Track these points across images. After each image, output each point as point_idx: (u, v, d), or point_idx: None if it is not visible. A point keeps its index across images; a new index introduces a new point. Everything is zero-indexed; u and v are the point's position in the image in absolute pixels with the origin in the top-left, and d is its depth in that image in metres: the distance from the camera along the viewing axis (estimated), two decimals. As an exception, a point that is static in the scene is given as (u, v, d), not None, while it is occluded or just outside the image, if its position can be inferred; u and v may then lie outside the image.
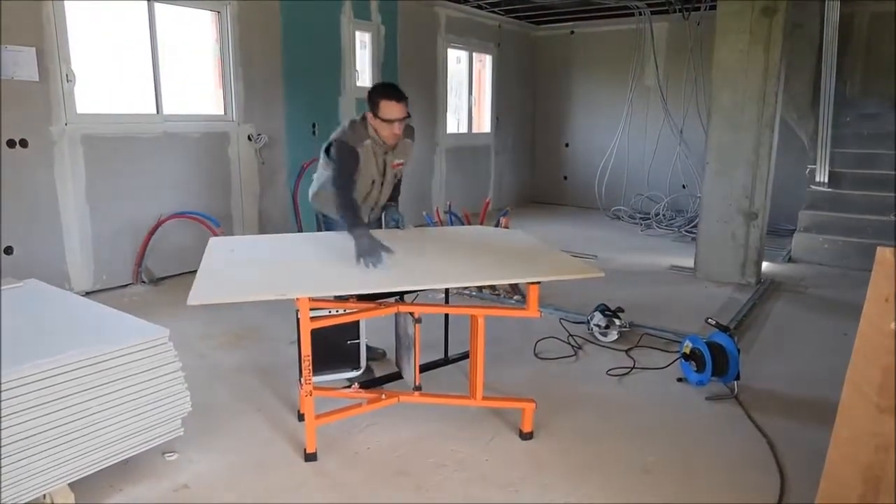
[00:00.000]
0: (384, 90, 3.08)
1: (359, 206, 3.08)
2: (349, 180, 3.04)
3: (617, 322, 3.91)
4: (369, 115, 3.09)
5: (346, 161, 3.05)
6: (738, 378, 3.13)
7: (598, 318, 3.94)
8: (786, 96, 5.43)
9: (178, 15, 5.19)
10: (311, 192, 3.43)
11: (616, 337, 3.89)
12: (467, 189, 8.51)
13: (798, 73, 6.40)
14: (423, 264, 2.73)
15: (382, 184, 3.28)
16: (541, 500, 2.32)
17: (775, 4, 4.83)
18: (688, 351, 3.24)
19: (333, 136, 3.16)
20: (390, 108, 3.05)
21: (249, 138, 5.71)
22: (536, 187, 10.00)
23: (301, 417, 2.83)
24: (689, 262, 5.84)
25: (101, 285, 4.83)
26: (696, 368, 3.20)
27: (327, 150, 3.18)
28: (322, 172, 3.29)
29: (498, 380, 3.24)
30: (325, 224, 3.42)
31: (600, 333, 3.92)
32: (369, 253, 2.59)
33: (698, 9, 7.75)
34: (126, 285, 4.98)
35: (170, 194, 5.17)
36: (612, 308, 4.01)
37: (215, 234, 4.98)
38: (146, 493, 2.32)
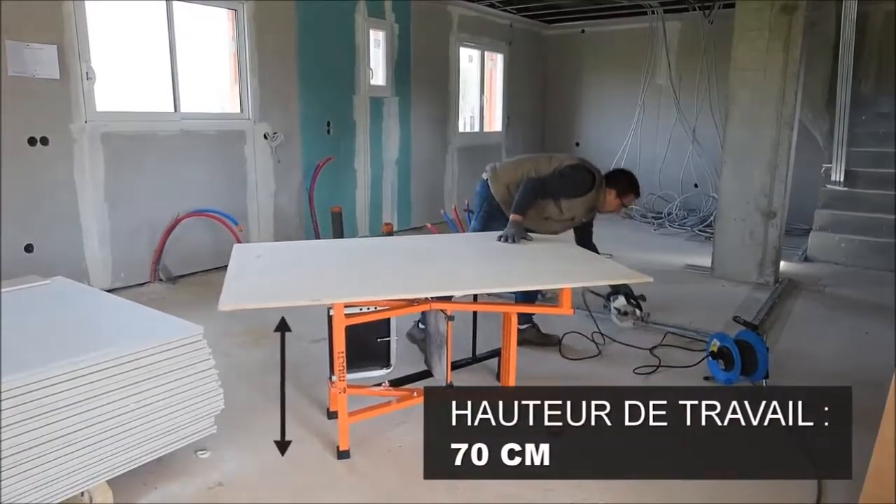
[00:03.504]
0: (635, 187, 3.66)
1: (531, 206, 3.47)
2: (549, 192, 3.47)
3: (638, 312, 3.85)
4: (610, 192, 3.59)
5: (576, 184, 3.50)
6: (766, 376, 3.12)
7: (620, 302, 3.84)
8: (801, 95, 5.42)
9: (195, 13, 5.19)
10: (500, 174, 3.63)
11: (630, 325, 3.82)
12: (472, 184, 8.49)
13: (813, 72, 6.37)
14: (466, 268, 2.73)
15: (569, 223, 3.67)
16: (575, 500, 2.31)
17: (795, 3, 4.81)
18: (715, 349, 3.23)
19: (585, 163, 3.64)
20: (632, 201, 3.72)
21: (265, 137, 5.71)
22: (546, 186, 9.96)
23: (330, 415, 2.82)
24: (705, 261, 5.83)
25: (119, 283, 4.83)
26: (723, 367, 3.19)
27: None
28: (520, 167, 3.60)
29: (525, 377, 3.22)
30: (490, 212, 3.66)
31: (616, 317, 3.84)
32: (513, 235, 3.24)
33: (711, 7, 7.74)
34: (143, 283, 4.97)
35: (187, 192, 5.17)
36: (636, 295, 3.91)
37: (234, 233, 4.98)
38: (181, 492, 2.31)
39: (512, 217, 3.33)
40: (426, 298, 2.60)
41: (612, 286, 3.77)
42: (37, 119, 4.23)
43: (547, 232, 3.63)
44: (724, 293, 5.06)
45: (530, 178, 3.45)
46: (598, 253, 3.67)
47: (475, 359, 3.37)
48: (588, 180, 3.53)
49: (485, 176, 3.71)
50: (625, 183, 3.62)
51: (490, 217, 3.66)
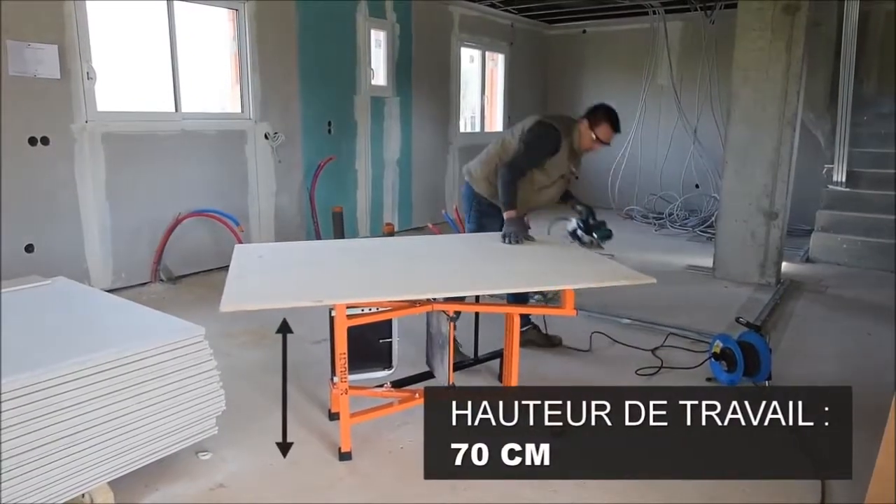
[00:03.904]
0: (613, 120, 3.37)
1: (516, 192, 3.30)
2: (526, 167, 3.30)
3: (588, 238, 3.53)
4: (584, 124, 3.37)
5: (544, 143, 3.30)
6: (769, 378, 3.11)
7: (572, 225, 3.57)
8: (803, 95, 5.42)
9: (196, 13, 5.18)
10: (475, 173, 3.52)
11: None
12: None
13: (814, 72, 6.36)
14: (468, 269, 2.73)
15: (563, 181, 3.48)
16: (579, 500, 2.31)
17: (797, 3, 4.80)
18: (718, 350, 3.22)
19: (539, 117, 3.39)
20: (607, 133, 3.37)
21: (266, 136, 5.70)
22: (547, 187, 9.96)
23: (332, 416, 2.82)
24: (706, 262, 5.82)
25: (120, 283, 4.82)
26: (726, 368, 3.18)
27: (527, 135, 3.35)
28: (496, 154, 3.44)
29: (527, 378, 3.21)
30: (480, 209, 3.55)
31: (570, 238, 3.61)
32: (514, 234, 3.14)
33: (713, 7, 7.73)
34: (144, 283, 4.96)
35: (187, 192, 5.16)
36: (596, 219, 3.54)
37: (234, 233, 4.98)
38: (183, 493, 2.30)
39: (506, 215, 3.25)
40: (428, 300, 2.59)
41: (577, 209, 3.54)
42: (37, 119, 4.23)
43: (548, 201, 3.50)
44: (726, 294, 5.06)
45: (502, 167, 3.31)
46: (573, 198, 3.54)
47: (477, 360, 3.36)
48: (553, 133, 3.32)
49: (466, 178, 3.62)
50: (600, 114, 3.37)
51: (482, 215, 3.57)
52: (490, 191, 3.46)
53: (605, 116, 3.35)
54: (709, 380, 3.30)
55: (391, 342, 2.79)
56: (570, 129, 3.38)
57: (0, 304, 2.45)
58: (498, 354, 3.27)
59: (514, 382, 2.67)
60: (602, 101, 3.27)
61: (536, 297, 4.57)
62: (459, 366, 3.24)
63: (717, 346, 3.23)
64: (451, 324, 2.56)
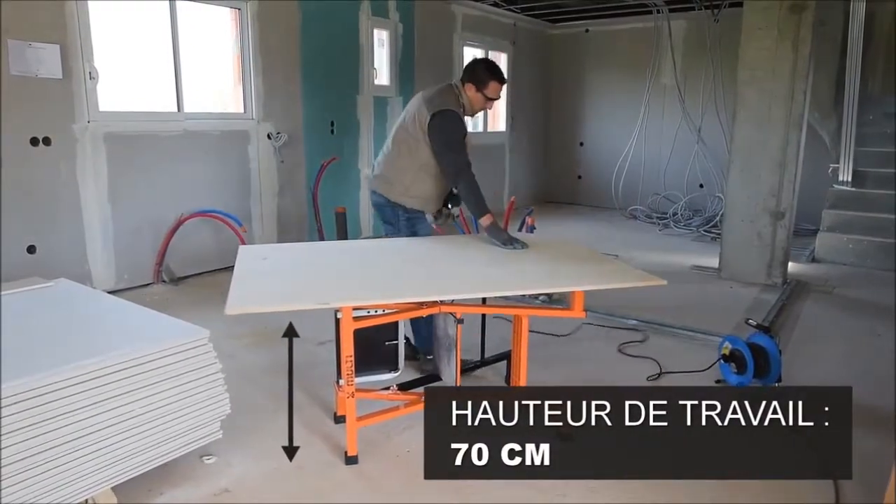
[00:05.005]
0: (495, 73, 3.19)
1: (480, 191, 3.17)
2: (468, 160, 3.16)
3: (445, 210, 3.39)
4: (469, 87, 3.19)
5: (458, 133, 3.15)
6: (779, 380, 3.07)
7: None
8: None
9: (199, 12, 5.15)
10: (397, 193, 3.23)
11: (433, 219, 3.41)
12: (482, 188, 8.44)
13: (820, 71, 6.32)
14: (475, 271, 2.69)
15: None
16: (588, 501, 2.28)
17: (804, 2, 4.76)
18: (727, 352, 3.18)
19: (439, 107, 3.09)
20: (497, 90, 3.22)
21: (269, 137, 5.67)
22: (551, 186, 9.94)
23: (337, 419, 2.78)
24: (711, 262, 5.79)
25: (122, 285, 4.79)
26: (735, 370, 3.14)
27: (431, 128, 3.10)
28: (406, 159, 3.20)
29: (533, 380, 3.18)
30: (409, 216, 3.27)
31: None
32: (515, 240, 3.02)
33: (718, 7, 7.70)
34: (147, 285, 4.94)
35: (190, 193, 5.13)
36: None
37: (237, 233, 4.95)
38: (187, 497, 2.27)
39: (487, 224, 3.06)
40: (435, 301, 2.55)
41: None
42: (39, 119, 4.20)
43: None
44: (732, 294, 5.02)
45: (456, 179, 3.15)
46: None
47: (483, 362, 3.32)
48: (454, 116, 3.12)
49: (388, 196, 3.26)
50: (482, 73, 3.16)
51: (413, 222, 3.30)
52: (420, 201, 3.26)
53: (489, 74, 3.16)
54: (718, 382, 3.26)
55: (397, 344, 2.76)
56: (458, 98, 3.18)
57: (0, 306, 2.42)
58: (504, 356, 3.24)
59: (522, 384, 2.64)
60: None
61: (541, 297, 4.54)
62: (464, 369, 3.21)
63: (727, 347, 3.20)
64: (459, 326, 2.52)
